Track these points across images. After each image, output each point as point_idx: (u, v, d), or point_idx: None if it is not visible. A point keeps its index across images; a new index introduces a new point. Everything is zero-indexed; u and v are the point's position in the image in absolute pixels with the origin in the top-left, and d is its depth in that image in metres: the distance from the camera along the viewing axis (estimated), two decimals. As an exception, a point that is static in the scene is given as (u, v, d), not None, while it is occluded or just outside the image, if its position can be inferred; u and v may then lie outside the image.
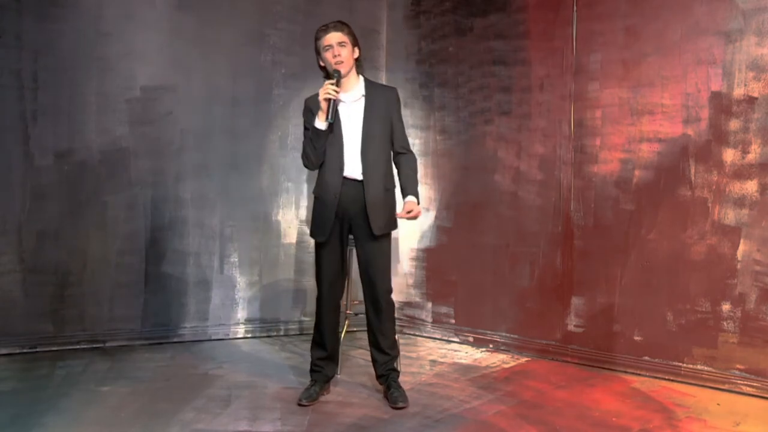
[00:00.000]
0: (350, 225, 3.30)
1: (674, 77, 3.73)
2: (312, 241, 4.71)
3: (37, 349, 4.11)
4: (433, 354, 4.27)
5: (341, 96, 3.22)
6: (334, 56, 3.19)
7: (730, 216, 3.57)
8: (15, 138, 4.07)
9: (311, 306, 4.66)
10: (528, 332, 4.25)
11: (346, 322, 4.00)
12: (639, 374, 3.81)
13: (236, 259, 4.59)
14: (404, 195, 3.32)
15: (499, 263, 4.37)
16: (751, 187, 3.52)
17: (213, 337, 4.51)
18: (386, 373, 3.40)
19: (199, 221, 4.49)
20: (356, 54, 3.28)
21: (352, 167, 3.24)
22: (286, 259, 4.71)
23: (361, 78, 3.33)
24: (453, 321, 4.58)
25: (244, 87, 4.56)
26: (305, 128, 3.30)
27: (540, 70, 4.22)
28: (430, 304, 4.69)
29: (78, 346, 4.19)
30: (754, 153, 3.51)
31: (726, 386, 3.55)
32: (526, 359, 4.16)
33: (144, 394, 3.40)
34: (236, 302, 4.60)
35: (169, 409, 3.18)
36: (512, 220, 4.32)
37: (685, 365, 3.69)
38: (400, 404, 3.25)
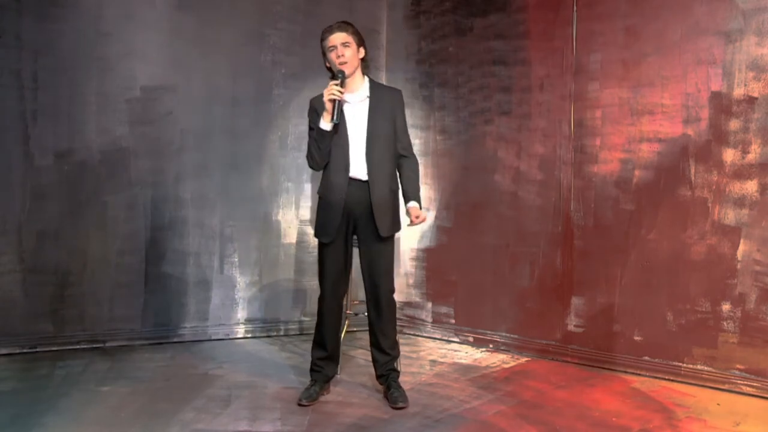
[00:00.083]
0: (355, 225, 3.30)
1: (674, 77, 3.73)
2: (312, 241, 4.75)
3: (37, 349, 4.11)
4: (433, 354, 4.27)
5: (346, 96, 3.22)
6: (338, 57, 3.20)
7: (730, 216, 3.57)
8: (15, 138, 4.07)
9: (311, 306, 4.67)
10: (528, 332, 4.25)
11: (346, 322, 4.00)
12: (639, 374, 3.81)
13: (236, 259, 4.59)
14: (406, 200, 3.32)
15: (499, 263, 4.37)
16: (751, 187, 3.52)
17: (213, 337, 4.51)
18: (386, 373, 3.41)
19: (199, 221, 4.49)
20: (361, 54, 3.28)
21: (358, 168, 3.25)
22: (286, 259, 4.71)
23: (367, 79, 3.33)
24: (453, 321, 4.58)
25: (244, 87, 4.57)
26: (310, 128, 3.30)
27: (540, 70, 4.22)
28: (430, 304, 4.69)
29: (78, 346, 4.19)
30: (754, 153, 3.51)
31: (726, 386, 3.55)
32: (526, 359, 4.16)
33: (144, 394, 3.40)
34: (236, 302, 4.60)
35: (169, 409, 3.18)
36: (512, 220, 4.32)
37: (685, 365, 3.69)
38: (400, 404, 3.25)
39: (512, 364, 4.08)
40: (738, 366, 3.54)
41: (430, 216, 4.62)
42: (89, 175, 4.22)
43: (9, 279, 4.07)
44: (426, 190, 4.60)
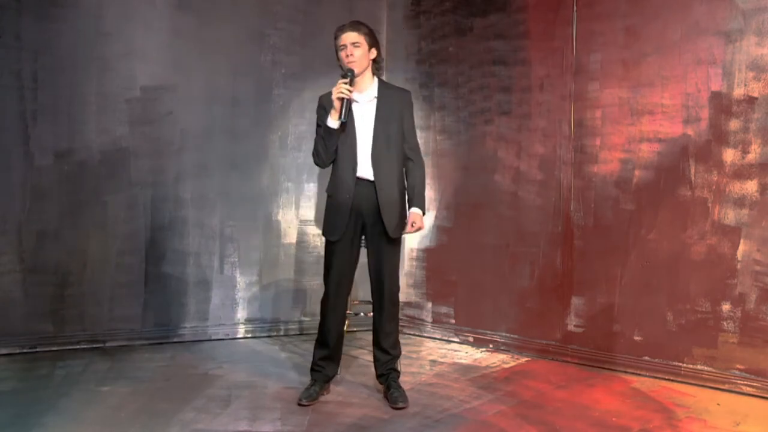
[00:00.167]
0: (363, 225, 3.31)
1: (674, 77, 3.73)
2: (312, 241, 4.76)
3: (37, 349, 4.11)
4: (433, 354, 4.27)
5: (355, 96, 3.22)
6: (347, 56, 3.22)
7: (730, 216, 3.57)
8: (15, 138, 4.07)
9: (311, 306, 4.68)
10: (528, 332, 4.25)
11: (346, 322, 3.99)
12: (639, 374, 3.81)
13: (236, 259, 4.59)
14: (409, 206, 3.33)
15: (499, 263, 4.37)
16: (751, 187, 3.52)
17: (213, 337, 4.51)
18: (387, 373, 3.41)
19: (199, 221, 4.49)
20: (372, 55, 3.29)
21: (365, 167, 3.26)
22: (286, 259, 4.71)
23: (376, 79, 3.34)
24: (453, 321, 4.58)
25: (244, 87, 4.57)
26: (318, 125, 3.31)
27: (540, 70, 4.22)
28: (430, 304, 4.69)
29: (78, 346, 4.19)
30: (754, 153, 3.51)
31: (726, 386, 3.55)
32: (526, 359, 4.16)
33: (144, 394, 3.40)
34: (236, 302, 4.60)
35: (169, 409, 3.18)
36: (512, 220, 4.32)
37: (685, 365, 3.69)
38: (400, 404, 3.25)
39: (512, 364, 4.08)
40: (738, 366, 3.54)
41: (430, 216, 4.62)
42: (89, 175, 4.22)
43: (9, 279, 4.06)
44: (426, 191, 4.58)
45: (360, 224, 3.31)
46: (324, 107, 3.27)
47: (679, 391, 3.55)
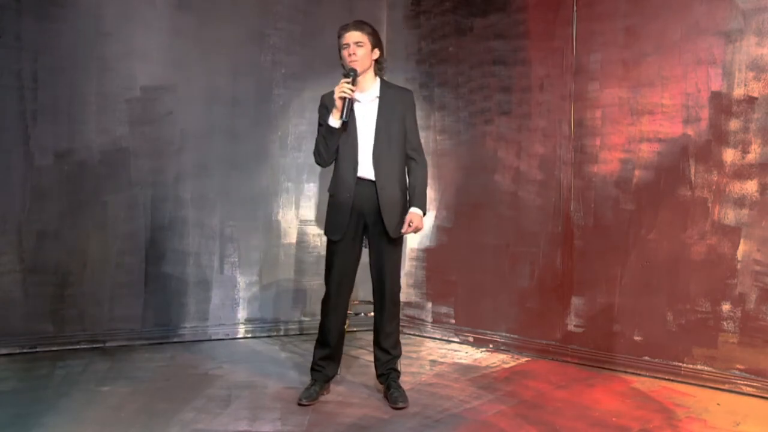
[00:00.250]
0: (365, 225, 3.31)
1: (674, 77, 3.73)
2: (312, 241, 4.76)
3: (37, 349, 4.11)
4: (433, 354, 4.27)
5: (357, 95, 3.22)
6: (349, 54, 3.22)
7: (730, 216, 3.57)
8: (15, 138, 4.07)
9: (311, 306, 4.68)
10: (528, 332, 4.25)
11: (347, 322, 3.99)
12: (639, 374, 3.81)
13: (236, 259, 4.59)
14: (409, 206, 3.32)
15: (499, 263, 4.37)
16: (751, 187, 3.52)
17: (213, 337, 4.51)
18: (387, 372, 3.41)
19: (199, 221, 4.49)
20: (375, 55, 3.30)
21: (366, 167, 3.25)
22: (286, 259, 4.71)
23: (378, 79, 3.33)
24: (453, 321, 4.58)
25: (244, 87, 4.56)
26: (319, 124, 3.31)
27: (540, 70, 4.22)
28: (430, 304, 4.69)
29: (78, 346, 4.19)
30: (754, 153, 3.51)
31: (726, 386, 3.55)
32: (526, 359, 4.16)
33: (144, 394, 3.40)
34: (236, 302, 4.60)
35: (169, 409, 3.18)
36: (512, 220, 4.32)
37: (685, 365, 3.69)
38: (400, 404, 3.25)
39: (512, 364, 4.08)
40: (738, 366, 3.54)
41: (430, 216, 4.62)
42: (89, 175, 4.22)
43: (9, 279, 4.06)
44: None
45: (362, 224, 3.31)
46: (326, 106, 3.27)
47: (679, 391, 3.55)
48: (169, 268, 4.42)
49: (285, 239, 4.71)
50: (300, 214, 4.74)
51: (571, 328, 4.09)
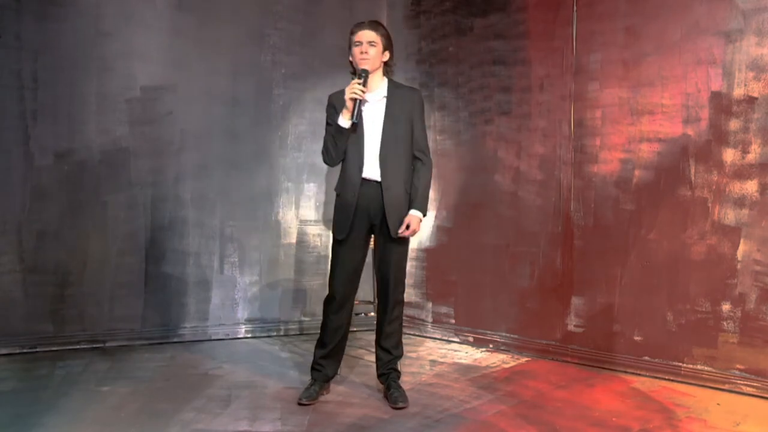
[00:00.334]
0: (371, 225, 3.31)
1: (674, 77, 3.73)
2: (312, 241, 4.76)
3: (37, 349, 4.11)
4: (433, 354, 4.27)
5: (365, 96, 3.21)
6: (362, 53, 3.20)
7: (730, 216, 3.57)
8: (15, 138, 4.07)
9: (311, 306, 4.68)
10: (528, 332, 4.25)
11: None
12: (639, 374, 3.81)
13: (236, 259, 4.59)
14: (410, 207, 3.31)
15: (499, 263, 4.37)
16: (751, 187, 3.52)
17: (213, 337, 4.51)
18: (387, 372, 3.41)
19: (199, 221, 4.49)
20: (385, 57, 3.28)
21: (372, 168, 3.24)
22: (286, 259, 4.71)
23: (386, 79, 3.32)
24: (453, 321, 4.58)
25: (244, 87, 4.57)
26: (327, 123, 3.30)
27: (540, 70, 4.22)
28: (430, 304, 4.69)
29: (78, 346, 4.19)
30: (754, 153, 3.51)
31: (726, 386, 3.55)
32: (526, 359, 4.16)
33: (144, 394, 3.40)
34: (236, 302, 4.60)
35: (169, 409, 3.18)
36: (512, 220, 4.32)
37: (685, 365, 3.69)
38: (400, 404, 3.25)
39: (512, 364, 4.08)
40: (738, 366, 3.54)
41: (430, 216, 4.62)
42: (89, 175, 4.22)
43: (9, 279, 4.07)
44: (426, 190, 4.60)
45: (367, 224, 3.31)
46: (333, 105, 3.26)
47: (679, 391, 3.55)
48: (169, 268, 4.42)
49: (285, 239, 4.71)
50: (300, 214, 4.74)
51: (571, 328, 4.09)
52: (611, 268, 3.94)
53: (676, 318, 3.72)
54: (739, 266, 3.54)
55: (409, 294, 4.74)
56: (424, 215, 3.32)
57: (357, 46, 3.23)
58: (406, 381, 3.52)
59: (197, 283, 4.50)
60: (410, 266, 4.75)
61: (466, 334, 4.51)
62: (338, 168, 3.37)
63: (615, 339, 3.92)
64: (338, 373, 3.58)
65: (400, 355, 3.47)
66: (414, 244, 4.73)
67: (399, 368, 3.48)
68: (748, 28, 3.50)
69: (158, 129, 4.37)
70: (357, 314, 4.17)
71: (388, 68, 3.33)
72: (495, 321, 4.39)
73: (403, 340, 3.54)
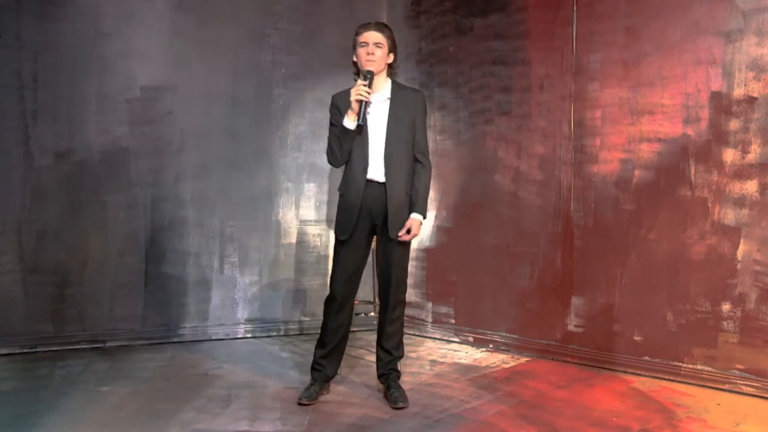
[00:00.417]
0: (374, 226, 3.31)
1: (674, 77, 3.73)
2: (312, 241, 4.76)
3: (37, 349, 4.11)
4: (433, 354, 4.27)
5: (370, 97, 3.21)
6: (368, 54, 3.20)
7: (730, 216, 3.57)
8: (15, 138, 4.07)
9: (311, 306, 4.68)
10: (528, 332, 4.25)
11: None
12: (639, 374, 3.81)
13: (236, 259, 4.59)
14: (410, 210, 3.30)
15: (499, 263, 4.37)
16: (751, 187, 3.52)
17: (213, 337, 4.51)
18: (387, 372, 3.41)
19: (199, 221, 4.49)
20: (390, 60, 3.29)
21: (376, 169, 3.24)
22: (286, 259, 4.71)
23: (390, 80, 3.32)
24: (453, 321, 4.58)
25: (244, 87, 4.57)
26: (332, 124, 3.30)
27: (540, 70, 4.22)
28: (430, 304, 4.69)
29: (78, 346, 4.19)
30: (754, 153, 3.51)
31: (726, 386, 3.55)
32: (526, 359, 4.16)
33: (144, 394, 3.40)
34: (236, 302, 4.60)
35: (169, 409, 3.18)
36: (512, 220, 4.32)
37: (685, 365, 3.69)
38: (400, 404, 3.25)
39: (512, 364, 4.08)
40: (738, 366, 3.54)
41: (430, 216, 4.62)
42: (89, 175, 4.22)
43: (9, 279, 4.07)
44: (426, 191, 4.60)
45: (370, 225, 3.31)
46: (337, 106, 3.26)
47: (679, 391, 3.55)
48: (169, 268, 4.42)
49: (285, 239, 4.71)
50: (300, 214, 4.74)
51: (571, 328, 4.09)
52: (611, 268, 3.94)
53: (676, 318, 3.72)
54: (739, 266, 3.54)
55: (409, 294, 4.72)
56: (425, 218, 3.32)
57: (363, 47, 3.22)
58: (406, 381, 3.52)
59: (197, 283, 4.50)
60: (410, 266, 4.72)
61: (466, 334, 4.51)
62: (339, 168, 3.37)
63: (615, 339, 3.92)
64: (338, 373, 3.58)
65: (400, 356, 3.47)
66: (414, 244, 4.72)
67: (399, 368, 3.48)
68: (748, 28, 3.50)
69: (158, 129, 4.37)
70: (357, 314, 4.17)
71: (391, 70, 3.33)
72: (495, 321, 4.39)
73: (404, 340, 3.53)
